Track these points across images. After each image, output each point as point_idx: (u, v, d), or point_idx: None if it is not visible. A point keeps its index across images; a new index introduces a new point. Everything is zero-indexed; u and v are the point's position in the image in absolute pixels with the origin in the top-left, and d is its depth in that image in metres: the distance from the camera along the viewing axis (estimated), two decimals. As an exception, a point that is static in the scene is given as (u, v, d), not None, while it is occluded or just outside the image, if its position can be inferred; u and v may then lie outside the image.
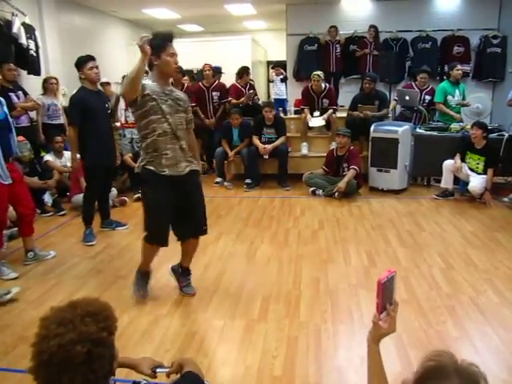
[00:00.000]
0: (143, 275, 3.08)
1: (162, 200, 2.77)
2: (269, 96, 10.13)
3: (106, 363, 1.04)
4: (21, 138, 4.38)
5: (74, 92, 4.17)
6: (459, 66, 6.03)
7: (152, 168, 2.74)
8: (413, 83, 6.46)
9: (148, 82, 2.72)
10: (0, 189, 3.26)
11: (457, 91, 5.99)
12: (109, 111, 4.19)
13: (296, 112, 6.80)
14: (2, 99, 3.46)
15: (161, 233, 2.87)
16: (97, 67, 3.97)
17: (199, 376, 1.39)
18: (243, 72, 6.70)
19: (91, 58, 3.96)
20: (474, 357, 2.29)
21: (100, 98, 4.08)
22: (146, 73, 2.76)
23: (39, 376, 0.98)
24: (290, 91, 8.21)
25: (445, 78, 7.91)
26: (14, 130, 3.52)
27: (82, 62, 3.93)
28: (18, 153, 4.04)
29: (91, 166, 4.04)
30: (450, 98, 5.99)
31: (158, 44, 2.66)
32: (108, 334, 1.06)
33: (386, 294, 1.26)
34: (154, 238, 2.92)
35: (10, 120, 3.52)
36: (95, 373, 1.00)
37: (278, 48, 10.50)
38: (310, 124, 6.18)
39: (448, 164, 5.18)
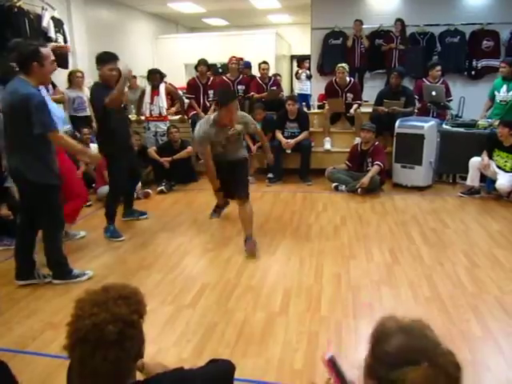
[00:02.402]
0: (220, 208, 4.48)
1: None
2: (292, 90, 10.09)
3: (135, 344, 1.09)
4: None
5: (91, 88, 4.25)
6: (503, 64, 5.71)
7: None
8: (424, 78, 6.24)
9: None
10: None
11: (504, 87, 5.63)
12: (122, 104, 4.21)
13: (319, 107, 6.76)
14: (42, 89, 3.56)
15: None
16: (116, 69, 3.90)
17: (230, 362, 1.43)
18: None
19: (114, 58, 3.86)
20: (498, 357, 2.27)
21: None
22: None
23: (75, 352, 1.05)
24: (314, 86, 8.15)
25: (473, 72, 7.80)
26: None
27: (104, 60, 3.85)
28: None
29: (113, 154, 4.04)
30: (496, 93, 5.74)
31: None
32: (138, 317, 1.12)
33: (339, 371, 1.17)
34: None
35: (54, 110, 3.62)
36: (126, 352, 1.06)
37: (302, 42, 10.45)
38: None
39: (474, 161, 5.07)
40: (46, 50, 2.91)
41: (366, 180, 5.21)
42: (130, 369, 1.13)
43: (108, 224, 4.18)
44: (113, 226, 4.20)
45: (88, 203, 5.08)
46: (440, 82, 6.08)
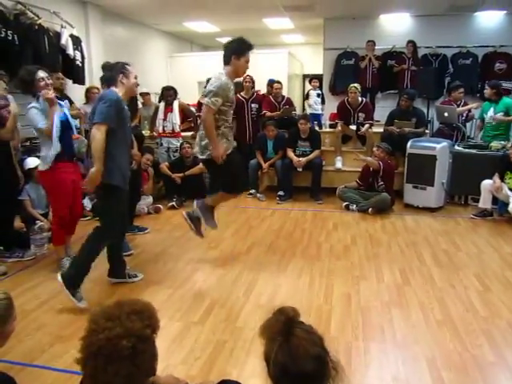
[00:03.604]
0: (210, 208, 3.77)
1: None
2: (304, 109, 10.15)
3: (147, 359, 1.09)
4: (76, 136, 4.48)
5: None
6: (486, 85, 5.94)
7: None
8: (450, 99, 6.35)
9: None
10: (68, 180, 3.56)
11: (491, 108, 5.79)
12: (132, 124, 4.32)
13: (331, 126, 6.79)
14: (63, 102, 3.70)
15: None
16: None
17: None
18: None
19: None
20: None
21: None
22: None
23: (87, 366, 1.05)
24: (326, 105, 8.21)
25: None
26: (74, 130, 3.79)
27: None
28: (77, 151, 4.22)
29: None
30: (484, 115, 5.88)
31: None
32: (151, 332, 1.13)
33: None
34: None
35: (71, 121, 3.72)
36: (138, 367, 1.06)
37: (315, 62, 10.55)
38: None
39: (486, 184, 5.04)
40: (130, 67, 3.16)
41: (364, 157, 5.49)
42: (142, 383, 1.13)
43: None
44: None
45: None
46: (462, 103, 6.14)
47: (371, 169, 5.48)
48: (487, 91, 5.81)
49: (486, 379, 2.25)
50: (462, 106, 6.16)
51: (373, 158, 5.50)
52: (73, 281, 2.98)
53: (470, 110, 6.27)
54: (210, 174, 3.76)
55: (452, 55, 7.98)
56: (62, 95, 5.37)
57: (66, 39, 5.95)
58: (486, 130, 5.90)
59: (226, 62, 3.45)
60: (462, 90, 6.18)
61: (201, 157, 3.60)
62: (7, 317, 1.58)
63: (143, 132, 6.43)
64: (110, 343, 1.04)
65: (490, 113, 5.80)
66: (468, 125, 6.40)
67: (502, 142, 5.55)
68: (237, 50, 3.41)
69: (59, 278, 2.95)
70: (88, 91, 5.91)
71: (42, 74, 3.37)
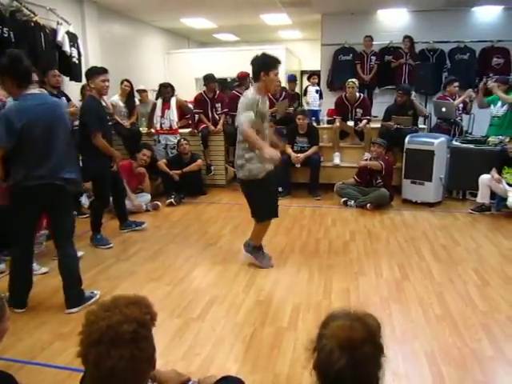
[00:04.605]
0: (260, 249, 3.69)
1: None
2: (301, 106, 10.14)
3: (149, 346, 1.10)
4: None
5: (86, 101, 4.26)
6: (497, 83, 5.76)
7: None
8: (442, 95, 6.34)
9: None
10: None
11: (499, 102, 5.68)
12: (110, 123, 4.28)
13: (329, 122, 6.78)
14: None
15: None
16: (108, 81, 4.03)
17: (242, 380, 1.42)
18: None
19: (105, 71, 4.03)
20: (511, 377, 2.23)
21: (104, 109, 4.23)
22: None
23: (89, 355, 1.04)
24: (323, 101, 8.20)
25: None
26: None
27: (96, 73, 3.99)
28: None
29: (101, 172, 4.10)
30: (491, 107, 5.81)
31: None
32: (150, 319, 1.14)
33: None
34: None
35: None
36: (141, 351, 1.06)
37: (312, 58, 10.53)
38: None
39: (484, 178, 5.03)
40: None
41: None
42: (145, 372, 1.13)
43: (94, 234, 4.25)
44: (99, 235, 4.25)
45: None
46: (457, 98, 6.13)
47: (369, 166, 5.47)
48: (501, 95, 5.60)
49: (485, 373, 2.26)
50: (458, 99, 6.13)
51: (370, 154, 5.50)
52: (79, 297, 2.99)
53: (467, 102, 6.22)
54: (246, 197, 3.59)
55: (449, 50, 7.96)
56: (58, 92, 5.35)
57: (62, 36, 5.90)
58: (492, 122, 5.81)
59: (256, 78, 3.43)
60: (456, 83, 6.17)
61: (238, 177, 3.54)
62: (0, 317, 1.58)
63: (140, 129, 6.43)
64: (111, 329, 1.04)
65: (498, 106, 5.70)
66: (465, 119, 6.39)
67: (500, 137, 5.53)
68: (265, 66, 3.35)
69: (75, 310, 2.92)
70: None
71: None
